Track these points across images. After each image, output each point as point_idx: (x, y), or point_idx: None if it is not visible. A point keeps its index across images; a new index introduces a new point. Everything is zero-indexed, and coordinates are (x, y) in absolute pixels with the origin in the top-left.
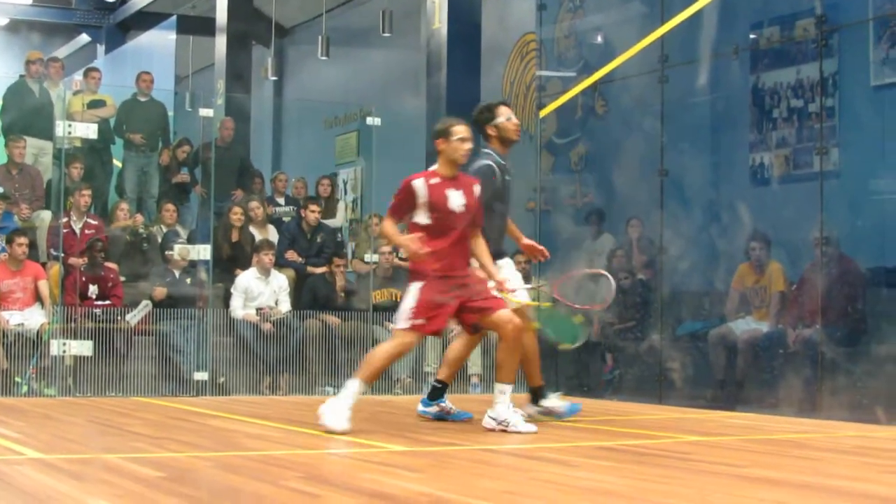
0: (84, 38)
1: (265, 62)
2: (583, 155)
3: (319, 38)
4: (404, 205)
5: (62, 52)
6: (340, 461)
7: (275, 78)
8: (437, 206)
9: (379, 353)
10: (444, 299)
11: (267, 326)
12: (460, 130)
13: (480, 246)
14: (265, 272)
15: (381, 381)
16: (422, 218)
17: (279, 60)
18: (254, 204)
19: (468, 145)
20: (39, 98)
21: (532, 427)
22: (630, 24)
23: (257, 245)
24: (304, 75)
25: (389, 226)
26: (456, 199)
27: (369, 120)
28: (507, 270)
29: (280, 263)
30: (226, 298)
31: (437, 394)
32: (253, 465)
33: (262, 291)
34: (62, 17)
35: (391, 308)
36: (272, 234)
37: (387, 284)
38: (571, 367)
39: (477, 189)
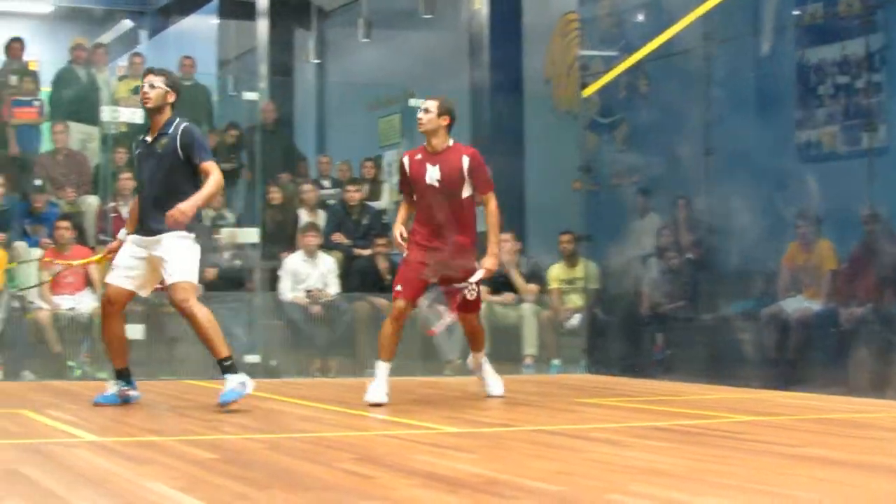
0: (127, 23)
1: (307, 45)
2: (627, 134)
3: (360, 20)
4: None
5: (106, 37)
6: (393, 443)
7: (317, 61)
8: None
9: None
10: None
11: (316, 309)
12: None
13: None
14: (311, 254)
15: (430, 362)
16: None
17: (321, 43)
18: (306, 187)
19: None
20: (86, 84)
21: None
22: (672, 1)
23: (301, 227)
24: (345, 58)
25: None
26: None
27: (412, 101)
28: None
29: (328, 245)
30: (273, 281)
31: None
32: (306, 447)
33: (309, 274)
34: (106, 3)
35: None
36: (322, 218)
37: None
38: (622, 346)
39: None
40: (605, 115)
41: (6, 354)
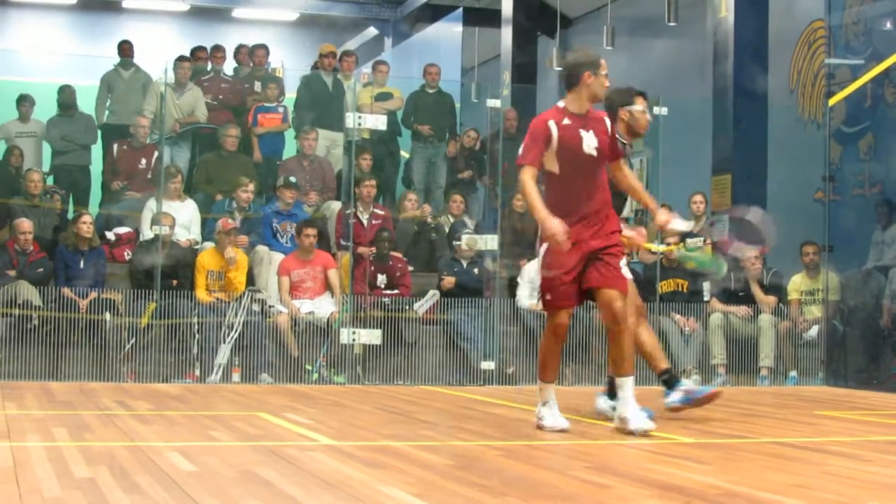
0: (372, 31)
1: (550, 53)
2: (872, 144)
3: (604, 28)
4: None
5: (350, 45)
6: (628, 452)
7: (560, 68)
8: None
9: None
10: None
11: None
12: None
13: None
14: None
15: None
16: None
17: (564, 51)
18: None
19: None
20: (332, 91)
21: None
22: None
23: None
24: None
25: (530, 181)
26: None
27: (656, 109)
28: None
29: None
30: (511, 288)
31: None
32: (541, 455)
33: None
34: (351, 11)
35: (677, 298)
36: None
37: (673, 274)
38: (861, 359)
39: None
40: (849, 124)
41: (244, 357)
